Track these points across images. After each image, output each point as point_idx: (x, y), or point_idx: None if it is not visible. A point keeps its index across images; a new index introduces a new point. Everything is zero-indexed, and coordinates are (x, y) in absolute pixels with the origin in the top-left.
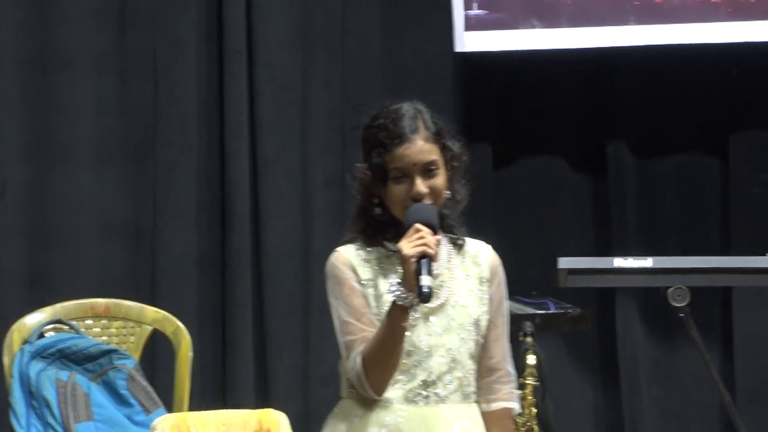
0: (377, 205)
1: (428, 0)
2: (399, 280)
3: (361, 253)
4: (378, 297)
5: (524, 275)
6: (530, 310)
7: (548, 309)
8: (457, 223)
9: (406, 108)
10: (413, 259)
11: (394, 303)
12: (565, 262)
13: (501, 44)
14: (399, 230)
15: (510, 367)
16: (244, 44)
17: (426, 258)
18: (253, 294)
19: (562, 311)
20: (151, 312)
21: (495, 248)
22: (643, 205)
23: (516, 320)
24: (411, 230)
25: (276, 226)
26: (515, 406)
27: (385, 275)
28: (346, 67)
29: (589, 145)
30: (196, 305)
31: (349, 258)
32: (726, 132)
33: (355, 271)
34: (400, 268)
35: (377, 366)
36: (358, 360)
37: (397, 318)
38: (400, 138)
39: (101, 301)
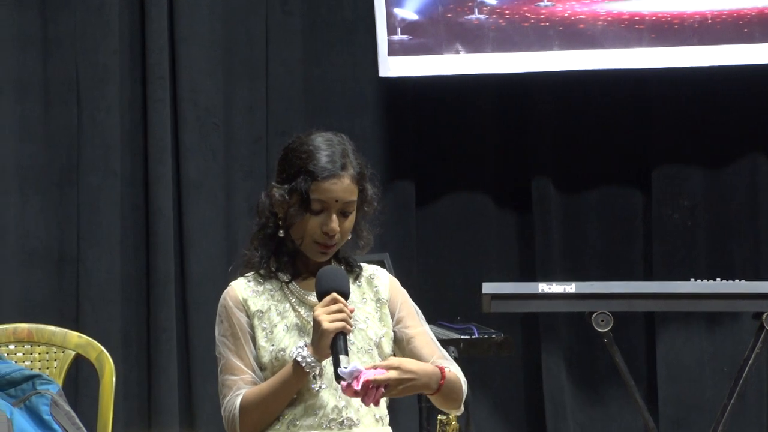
0: (282, 227)
1: (352, 25)
2: (308, 344)
3: (253, 284)
4: (271, 329)
5: (448, 301)
6: (454, 335)
7: (472, 334)
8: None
9: (337, 142)
10: (331, 334)
11: (297, 364)
12: (489, 287)
13: (425, 69)
14: (294, 259)
15: (452, 363)
16: (167, 70)
17: (343, 334)
18: (177, 319)
19: (486, 336)
20: (75, 337)
21: (419, 275)
22: (566, 234)
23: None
24: (328, 299)
25: (199, 251)
26: (456, 371)
27: (278, 306)
28: (270, 92)
29: (513, 178)
30: (121, 331)
31: (240, 294)
32: (648, 160)
33: (246, 307)
34: (294, 299)
35: (257, 415)
36: (237, 402)
37: (296, 378)
38: (330, 171)
39: (24, 326)
